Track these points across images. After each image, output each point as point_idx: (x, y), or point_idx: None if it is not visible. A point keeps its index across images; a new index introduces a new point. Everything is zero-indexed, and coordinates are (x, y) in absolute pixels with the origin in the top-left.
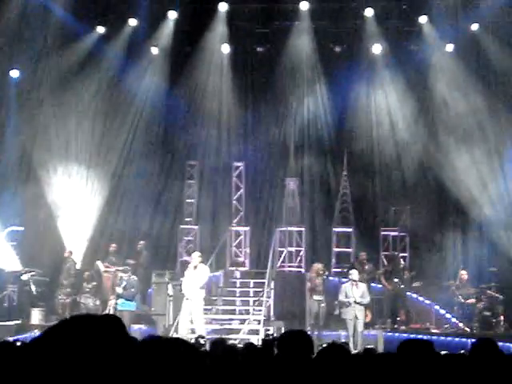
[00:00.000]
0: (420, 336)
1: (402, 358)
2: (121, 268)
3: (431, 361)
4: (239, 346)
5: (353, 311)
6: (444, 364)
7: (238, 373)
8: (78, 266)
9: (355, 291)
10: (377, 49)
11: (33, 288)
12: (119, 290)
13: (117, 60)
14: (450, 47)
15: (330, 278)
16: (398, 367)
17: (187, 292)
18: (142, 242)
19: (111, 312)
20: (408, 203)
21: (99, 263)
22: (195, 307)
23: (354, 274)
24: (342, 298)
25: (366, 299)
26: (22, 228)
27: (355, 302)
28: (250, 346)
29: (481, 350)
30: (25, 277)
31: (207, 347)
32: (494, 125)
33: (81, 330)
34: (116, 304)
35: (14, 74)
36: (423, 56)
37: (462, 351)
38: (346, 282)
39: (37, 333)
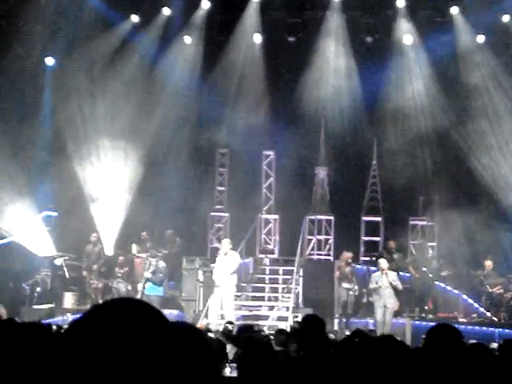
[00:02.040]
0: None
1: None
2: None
3: (457, 348)
4: (268, 331)
5: (382, 300)
6: (472, 353)
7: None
8: (111, 251)
9: (385, 280)
10: (408, 39)
11: (66, 272)
12: (148, 274)
13: (150, 48)
14: (481, 38)
15: (358, 266)
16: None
17: (218, 279)
18: (169, 231)
19: (139, 296)
20: (437, 192)
21: (134, 246)
22: (225, 293)
23: (383, 262)
24: (371, 286)
25: (399, 285)
26: (55, 213)
27: (390, 283)
28: (280, 331)
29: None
30: (58, 261)
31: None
32: None
33: (119, 314)
34: (143, 288)
35: (49, 61)
36: (454, 47)
37: (495, 345)
38: (376, 271)
39: (69, 316)
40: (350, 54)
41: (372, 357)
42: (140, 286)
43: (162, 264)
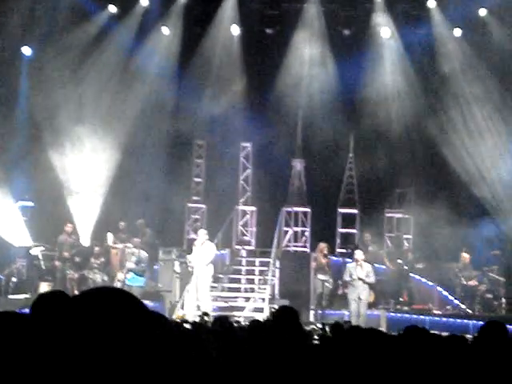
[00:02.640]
0: (422, 317)
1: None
2: (129, 244)
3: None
4: (243, 323)
5: (356, 291)
6: (447, 346)
7: (238, 348)
8: (88, 242)
9: (359, 271)
10: (385, 32)
11: (42, 262)
12: (131, 264)
13: (128, 39)
14: (457, 32)
15: (334, 258)
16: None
17: (194, 269)
18: (140, 221)
19: (120, 286)
20: (413, 185)
21: (110, 235)
22: (202, 284)
23: (359, 254)
24: (346, 277)
25: (371, 278)
26: (31, 203)
27: (359, 278)
28: (255, 322)
29: (489, 333)
30: (34, 251)
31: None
32: (501, 106)
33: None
34: (125, 279)
35: (26, 51)
36: (431, 40)
37: (470, 337)
38: (351, 262)
39: None
40: (328, 46)
41: (350, 349)
42: (121, 276)
43: (144, 254)
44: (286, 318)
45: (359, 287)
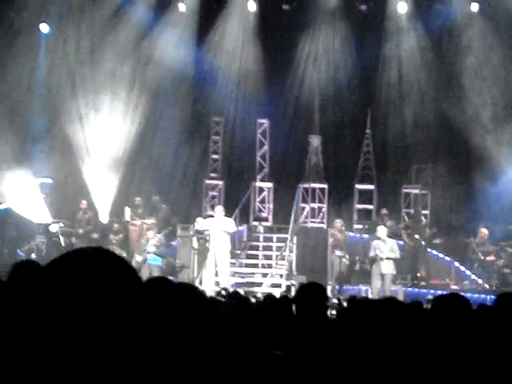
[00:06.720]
0: (439, 292)
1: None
2: (149, 222)
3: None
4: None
5: (380, 267)
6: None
7: (251, 322)
8: (106, 218)
9: (383, 247)
10: (402, 8)
11: (61, 239)
12: (152, 248)
13: (145, 16)
14: (475, 6)
15: (351, 233)
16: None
17: (213, 244)
18: (155, 197)
19: (139, 266)
20: (430, 160)
21: (127, 210)
22: (221, 259)
23: (380, 230)
24: (371, 254)
25: (396, 254)
26: (50, 180)
27: (386, 258)
28: (269, 297)
29: (504, 304)
30: (53, 228)
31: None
32: None
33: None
34: (146, 259)
35: (44, 27)
36: (448, 14)
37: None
38: (368, 239)
39: None
40: (345, 22)
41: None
42: (139, 258)
43: (163, 238)
44: (313, 294)
45: (383, 263)
